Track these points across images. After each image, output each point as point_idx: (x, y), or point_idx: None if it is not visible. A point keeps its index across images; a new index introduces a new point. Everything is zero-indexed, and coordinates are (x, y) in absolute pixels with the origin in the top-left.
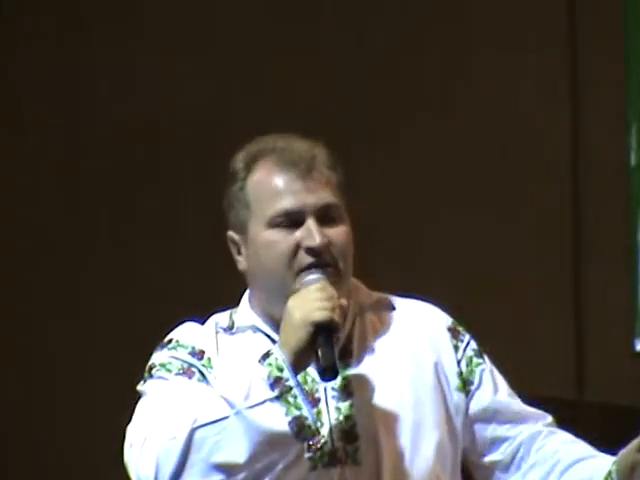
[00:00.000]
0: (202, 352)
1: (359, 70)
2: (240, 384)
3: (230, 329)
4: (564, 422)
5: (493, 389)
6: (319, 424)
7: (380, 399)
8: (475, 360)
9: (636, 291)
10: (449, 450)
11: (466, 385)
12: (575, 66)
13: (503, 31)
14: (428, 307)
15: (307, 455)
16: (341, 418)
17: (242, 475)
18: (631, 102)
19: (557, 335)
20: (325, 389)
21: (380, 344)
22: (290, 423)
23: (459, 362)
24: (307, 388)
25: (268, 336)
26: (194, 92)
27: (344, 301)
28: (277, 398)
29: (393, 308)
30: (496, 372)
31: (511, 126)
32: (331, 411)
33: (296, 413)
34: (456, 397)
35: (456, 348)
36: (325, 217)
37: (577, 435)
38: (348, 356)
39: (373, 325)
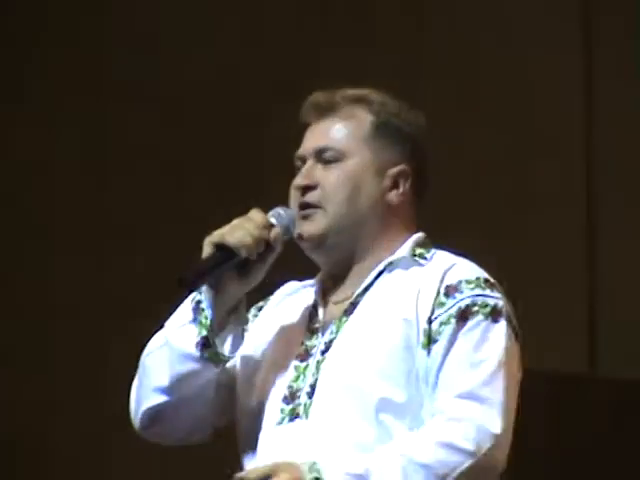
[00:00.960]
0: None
1: None
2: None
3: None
4: (576, 397)
5: (441, 354)
6: (301, 377)
7: (346, 355)
8: (452, 320)
9: None
10: (412, 409)
11: (429, 343)
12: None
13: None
14: (449, 262)
15: (281, 408)
16: (314, 372)
17: (179, 397)
18: None
19: (569, 310)
20: (319, 344)
21: (380, 304)
22: (197, 344)
23: (432, 320)
24: (309, 344)
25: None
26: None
27: (276, 230)
28: (193, 320)
29: (420, 265)
30: (480, 353)
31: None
32: (312, 365)
33: (204, 333)
34: (420, 352)
35: (440, 305)
36: (323, 159)
37: (589, 410)
38: (351, 311)
39: (391, 283)
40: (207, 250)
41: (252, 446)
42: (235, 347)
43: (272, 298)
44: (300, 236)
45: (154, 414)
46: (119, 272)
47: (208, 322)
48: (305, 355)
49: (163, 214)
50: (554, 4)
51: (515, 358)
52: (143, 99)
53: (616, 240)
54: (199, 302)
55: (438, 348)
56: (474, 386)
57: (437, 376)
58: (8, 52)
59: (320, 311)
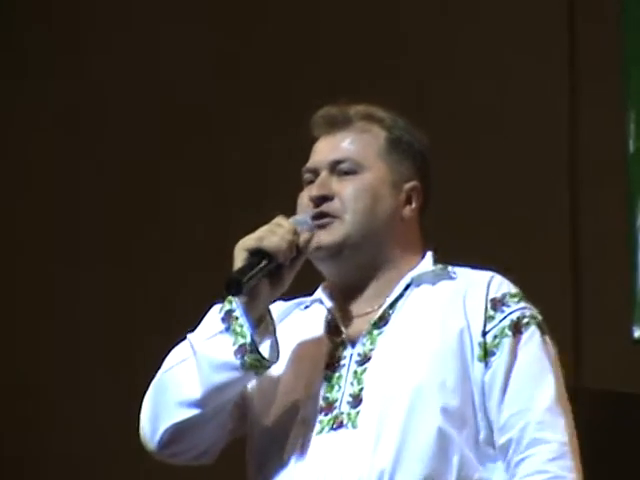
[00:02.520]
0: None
1: None
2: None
3: (306, 306)
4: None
5: (505, 370)
6: (336, 388)
7: (395, 368)
8: (508, 332)
9: (635, 278)
10: (465, 416)
11: (487, 355)
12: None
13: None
14: (486, 276)
15: (319, 418)
16: (353, 383)
17: (210, 410)
18: (629, 90)
19: (555, 321)
20: (351, 355)
21: (419, 315)
22: (236, 352)
23: (486, 333)
24: (337, 355)
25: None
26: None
27: (303, 239)
28: (226, 329)
29: (451, 278)
30: (541, 369)
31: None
32: (349, 375)
33: (242, 341)
34: (477, 366)
35: (490, 318)
36: (338, 171)
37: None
38: (383, 323)
39: (424, 296)
40: (241, 256)
41: (280, 459)
42: (274, 353)
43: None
44: (317, 247)
45: (178, 431)
46: None
47: (245, 329)
48: (334, 367)
49: None
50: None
51: (559, 364)
52: None
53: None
54: (229, 311)
55: (500, 361)
56: (549, 404)
57: (504, 389)
58: None
59: (341, 325)
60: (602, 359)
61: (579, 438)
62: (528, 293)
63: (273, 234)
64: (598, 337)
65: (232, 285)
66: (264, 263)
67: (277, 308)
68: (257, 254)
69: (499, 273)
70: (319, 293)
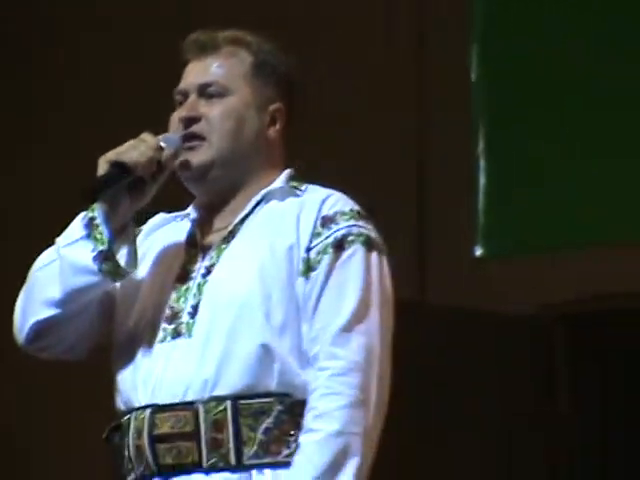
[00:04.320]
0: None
1: None
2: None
3: (181, 219)
4: (409, 322)
5: (320, 285)
6: (182, 299)
7: (229, 279)
8: (329, 250)
9: (477, 201)
10: (291, 329)
11: (308, 271)
12: None
13: None
14: (323, 194)
15: (163, 327)
16: (196, 294)
17: (69, 310)
18: (473, 22)
19: (400, 241)
20: (200, 268)
21: (258, 231)
22: (94, 258)
23: (310, 249)
24: (188, 267)
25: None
26: None
27: (167, 153)
28: (87, 236)
29: (297, 195)
30: (350, 279)
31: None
32: (194, 287)
33: (100, 247)
34: (300, 281)
35: (317, 235)
36: (206, 94)
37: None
38: (231, 238)
39: (269, 212)
40: (103, 167)
41: (131, 363)
42: (131, 263)
43: (144, 228)
44: (185, 165)
45: (42, 327)
46: None
47: (105, 237)
48: (185, 278)
49: None
50: None
51: (387, 282)
52: None
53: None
54: (92, 219)
55: (317, 276)
56: (347, 320)
57: (316, 304)
58: None
59: (198, 238)
60: (446, 277)
61: (422, 349)
62: (375, 214)
63: (134, 149)
64: (442, 256)
65: (86, 193)
66: (125, 178)
67: (157, 219)
68: (117, 166)
69: (347, 193)
70: (190, 208)
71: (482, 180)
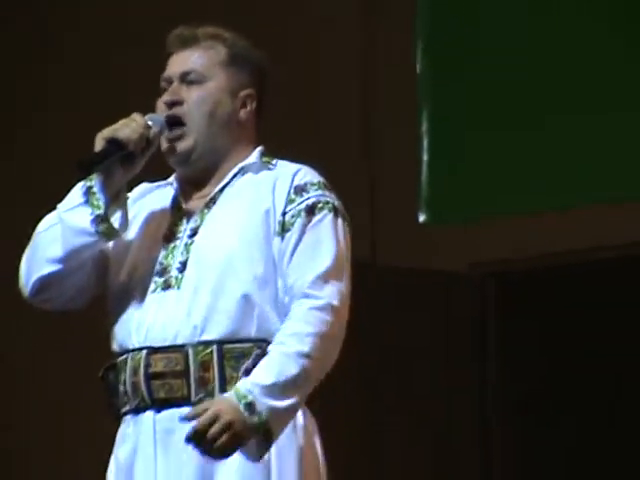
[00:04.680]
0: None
1: None
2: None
3: (163, 186)
4: (360, 283)
5: (294, 242)
6: (170, 255)
7: (213, 241)
8: (302, 214)
9: (420, 173)
10: (268, 281)
11: (283, 231)
12: None
13: None
14: (295, 168)
15: (154, 279)
16: (183, 254)
17: (69, 267)
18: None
19: (354, 208)
20: (185, 229)
21: (237, 198)
22: (92, 221)
23: (285, 213)
24: (174, 229)
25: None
26: None
27: (153, 131)
28: (85, 202)
29: (270, 169)
30: (321, 239)
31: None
32: (181, 246)
33: (97, 212)
34: (276, 240)
35: (291, 201)
36: (187, 81)
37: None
38: (212, 204)
39: (245, 183)
40: (100, 143)
41: (125, 312)
42: (124, 225)
43: (131, 195)
44: (171, 151)
45: (44, 282)
46: None
47: (101, 203)
48: (171, 238)
49: None
50: None
51: (349, 247)
52: None
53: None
54: (90, 187)
55: (291, 235)
56: (322, 268)
57: (291, 258)
58: None
59: (182, 204)
60: (393, 240)
61: (372, 305)
62: (331, 181)
63: (127, 126)
64: (391, 221)
65: (86, 166)
66: (119, 153)
67: (141, 188)
68: (112, 142)
69: (304, 161)
70: (172, 178)
71: (425, 156)
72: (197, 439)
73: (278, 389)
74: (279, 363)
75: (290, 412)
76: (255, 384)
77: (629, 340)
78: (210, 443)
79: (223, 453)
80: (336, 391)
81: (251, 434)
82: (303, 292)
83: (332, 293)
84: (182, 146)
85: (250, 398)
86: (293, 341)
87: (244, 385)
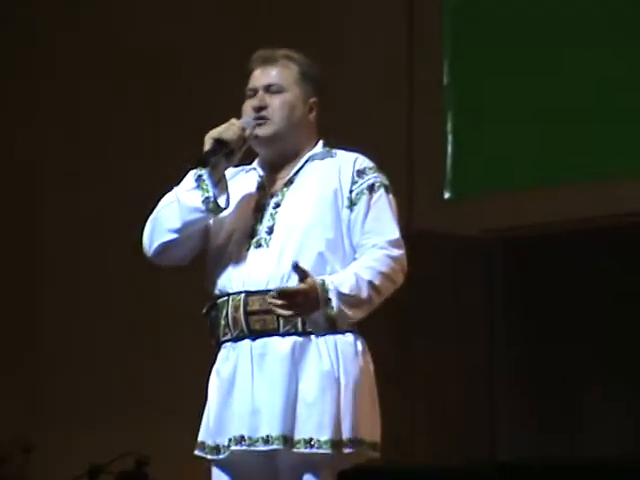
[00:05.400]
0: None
1: None
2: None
3: (247, 171)
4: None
5: (363, 213)
6: (260, 222)
7: (294, 212)
8: (366, 192)
9: (445, 157)
10: (338, 244)
11: (352, 205)
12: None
13: None
14: (356, 156)
15: (252, 240)
16: (270, 221)
17: (184, 235)
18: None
19: (395, 184)
20: (269, 203)
21: (310, 179)
22: (203, 201)
23: (352, 191)
24: (262, 202)
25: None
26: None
27: (251, 131)
28: (197, 187)
29: (332, 156)
30: (385, 213)
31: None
32: (268, 215)
33: (206, 194)
34: (345, 212)
35: (355, 182)
36: (270, 91)
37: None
38: (290, 184)
39: (315, 168)
40: (209, 142)
41: (225, 264)
42: (227, 202)
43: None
44: (256, 136)
45: (165, 246)
46: None
47: (210, 187)
48: (260, 209)
49: None
50: None
51: (396, 214)
52: None
53: None
54: (200, 175)
55: (359, 208)
56: (394, 235)
57: (363, 224)
58: None
59: (266, 184)
60: (427, 211)
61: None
62: (382, 163)
63: (228, 129)
64: (425, 195)
65: (201, 161)
66: (224, 150)
67: (230, 172)
68: (219, 142)
69: (361, 145)
70: (255, 164)
71: (449, 149)
72: (281, 297)
73: (349, 300)
74: (356, 284)
75: (349, 318)
76: (336, 288)
77: (612, 294)
78: (290, 306)
79: (295, 313)
80: (372, 324)
81: (320, 319)
82: (380, 246)
83: (400, 254)
84: (263, 132)
85: (330, 295)
86: (369, 273)
87: (329, 284)
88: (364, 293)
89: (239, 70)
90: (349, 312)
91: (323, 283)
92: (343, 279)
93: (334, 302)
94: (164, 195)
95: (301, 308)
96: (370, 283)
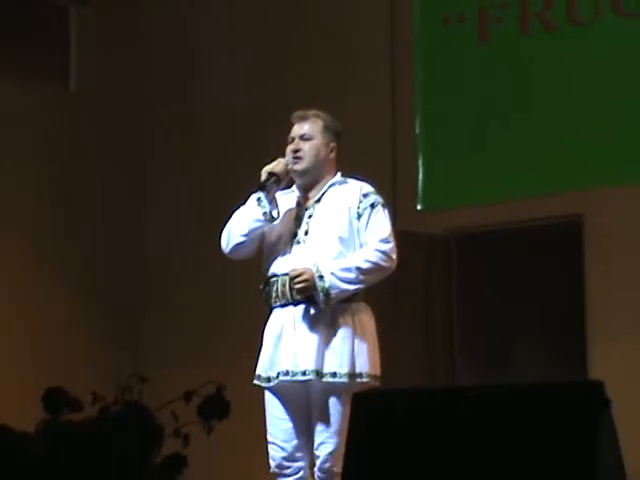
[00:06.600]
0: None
1: None
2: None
3: (289, 193)
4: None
5: (366, 222)
6: (298, 228)
7: (321, 221)
8: (368, 208)
9: (417, 173)
10: (350, 242)
11: (359, 216)
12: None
13: None
14: (362, 184)
15: (294, 239)
16: (306, 227)
17: (250, 238)
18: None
19: (385, 196)
20: (304, 215)
21: (332, 199)
22: (263, 214)
23: (359, 207)
24: (300, 215)
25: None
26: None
27: (291, 167)
28: (258, 204)
29: (346, 183)
30: (381, 221)
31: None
32: (304, 223)
33: (265, 210)
34: (355, 221)
35: (361, 202)
36: (303, 139)
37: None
38: (318, 201)
39: (334, 192)
40: (264, 175)
41: (276, 255)
42: (278, 216)
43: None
44: (294, 170)
45: (238, 246)
46: None
47: (266, 205)
48: (299, 220)
49: None
50: None
51: (390, 224)
52: None
53: None
54: (259, 198)
55: (363, 219)
56: (385, 235)
57: (365, 229)
58: None
59: (302, 202)
60: (406, 217)
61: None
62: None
63: (278, 165)
64: (404, 206)
65: (261, 188)
66: (275, 179)
67: (279, 194)
68: (272, 174)
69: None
70: (294, 188)
71: (420, 162)
72: (291, 280)
73: (340, 276)
74: (347, 266)
75: (341, 291)
76: (329, 268)
77: (534, 277)
78: (295, 283)
79: (299, 291)
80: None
81: (318, 291)
82: (373, 242)
83: (389, 248)
84: (298, 167)
85: (323, 272)
86: (360, 260)
87: (324, 267)
88: (352, 273)
89: (284, 126)
90: (341, 285)
91: (318, 267)
92: (338, 263)
93: (326, 277)
94: (234, 211)
95: (308, 282)
96: (357, 267)
